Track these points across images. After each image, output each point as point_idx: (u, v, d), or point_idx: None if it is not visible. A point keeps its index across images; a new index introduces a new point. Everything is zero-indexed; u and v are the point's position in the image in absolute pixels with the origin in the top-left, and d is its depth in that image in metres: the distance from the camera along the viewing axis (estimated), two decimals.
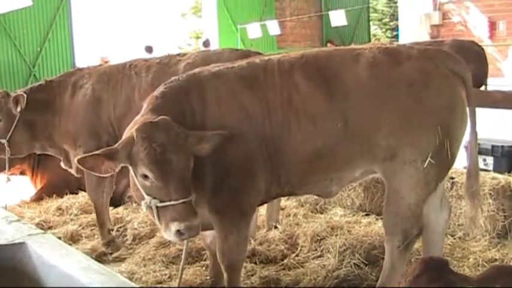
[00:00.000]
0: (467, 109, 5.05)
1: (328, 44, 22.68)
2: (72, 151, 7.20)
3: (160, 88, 5.06)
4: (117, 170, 4.62)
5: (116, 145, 4.55)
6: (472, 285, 2.80)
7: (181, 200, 4.35)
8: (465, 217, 6.87)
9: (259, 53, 6.83)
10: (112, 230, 7.55)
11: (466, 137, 5.23)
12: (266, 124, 4.93)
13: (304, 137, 4.92)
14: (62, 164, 7.50)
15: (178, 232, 4.33)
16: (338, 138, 4.91)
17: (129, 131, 4.59)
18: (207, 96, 4.98)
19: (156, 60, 7.24)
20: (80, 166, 4.53)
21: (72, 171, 7.45)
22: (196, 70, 5.25)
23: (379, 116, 4.88)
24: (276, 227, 7.22)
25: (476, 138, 5.15)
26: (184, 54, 7.26)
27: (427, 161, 4.82)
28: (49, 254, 4.00)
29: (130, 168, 4.53)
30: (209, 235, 5.62)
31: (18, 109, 7.09)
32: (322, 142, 4.93)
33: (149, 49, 17.43)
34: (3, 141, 7.14)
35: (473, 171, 5.21)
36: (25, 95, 7.07)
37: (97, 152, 4.59)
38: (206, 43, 17.97)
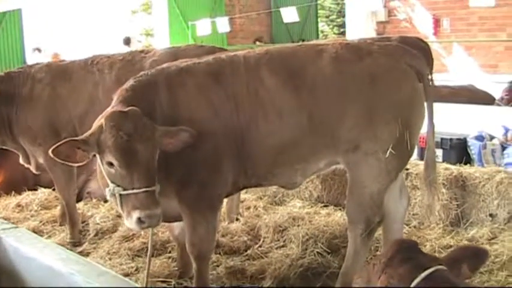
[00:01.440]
0: (425, 103, 5.29)
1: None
2: (31, 148, 7.11)
3: (130, 82, 5.16)
4: (90, 158, 4.69)
5: (86, 133, 4.65)
6: (441, 264, 3.00)
7: (144, 189, 4.47)
8: (422, 205, 7.12)
9: (225, 49, 6.91)
10: (82, 230, 7.49)
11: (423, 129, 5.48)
12: (234, 118, 5.08)
13: (270, 130, 5.09)
14: (21, 161, 7.40)
15: (139, 220, 4.46)
16: (303, 131, 5.10)
17: (99, 120, 4.69)
18: (175, 91, 5.10)
19: (119, 57, 7.19)
20: (55, 157, 4.58)
21: (31, 167, 7.39)
22: (165, 65, 5.36)
23: (343, 110, 5.08)
24: (237, 219, 7.37)
25: (434, 130, 5.37)
26: (148, 51, 7.25)
27: (388, 152, 5.04)
28: (26, 246, 4.06)
29: (97, 156, 4.64)
30: (177, 227, 5.75)
31: None
32: (289, 135, 5.11)
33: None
34: None
35: (430, 162, 5.45)
36: None
37: (68, 139, 4.68)
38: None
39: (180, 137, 4.75)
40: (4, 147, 7.48)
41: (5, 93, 7.06)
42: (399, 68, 5.20)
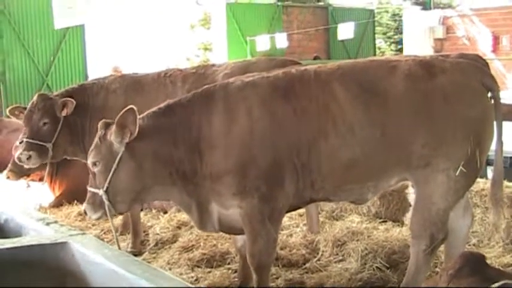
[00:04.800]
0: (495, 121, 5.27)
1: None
2: None
3: (189, 94, 5.44)
4: None
5: None
6: (508, 278, 2.98)
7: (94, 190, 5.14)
8: (482, 223, 7.04)
9: (297, 62, 6.95)
10: (143, 241, 7.60)
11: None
12: (300, 132, 5.12)
13: (341, 145, 5.10)
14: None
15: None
16: (376, 147, 5.11)
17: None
18: (235, 105, 5.19)
19: (192, 70, 7.32)
20: None
21: None
22: (232, 79, 5.46)
23: (416, 127, 5.09)
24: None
25: (502, 148, 5.33)
26: (220, 65, 7.33)
27: (459, 169, 5.03)
28: (93, 252, 4.14)
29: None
30: (240, 239, 5.81)
31: (64, 113, 7.06)
32: (360, 150, 5.12)
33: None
34: (49, 145, 7.10)
35: (497, 179, 5.41)
36: (74, 101, 7.06)
37: None
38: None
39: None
40: (75, 157, 7.58)
41: (78, 104, 7.17)
42: (472, 85, 5.20)
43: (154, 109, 5.30)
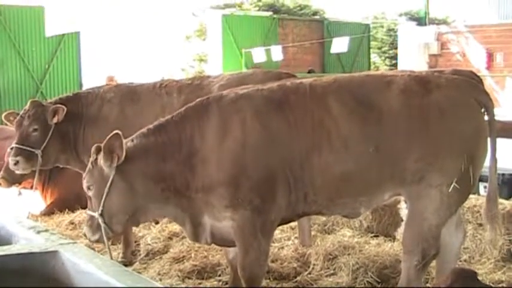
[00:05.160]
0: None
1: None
2: None
3: (185, 107, 5.45)
4: None
5: None
6: None
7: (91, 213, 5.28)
8: (473, 239, 7.04)
9: (292, 75, 6.96)
10: (134, 251, 7.58)
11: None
12: (294, 145, 5.12)
13: (335, 159, 5.10)
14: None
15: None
16: (370, 162, 5.11)
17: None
18: (228, 117, 5.21)
19: (188, 81, 7.34)
20: None
21: None
22: (225, 92, 5.47)
23: (410, 142, 5.09)
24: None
25: (496, 165, 5.35)
26: (216, 76, 7.35)
27: (452, 185, 5.04)
28: (84, 261, 4.12)
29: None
30: (232, 251, 5.80)
31: (55, 120, 7.06)
32: (354, 165, 5.12)
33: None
34: (38, 151, 7.07)
35: (492, 196, 5.42)
36: (65, 108, 7.05)
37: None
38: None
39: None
40: (67, 166, 7.59)
41: (72, 112, 7.17)
42: (467, 102, 5.21)
43: (144, 129, 5.37)
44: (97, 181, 5.21)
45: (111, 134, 5.05)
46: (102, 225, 5.18)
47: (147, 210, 5.33)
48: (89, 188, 5.27)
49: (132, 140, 5.27)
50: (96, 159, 5.21)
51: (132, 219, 5.37)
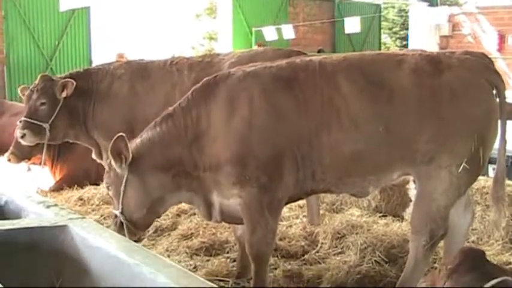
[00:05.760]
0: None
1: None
2: (105, 143, 7.08)
3: (197, 85, 5.43)
4: None
5: None
6: (508, 275, 2.98)
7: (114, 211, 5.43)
8: (482, 220, 7.04)
9: (302, 53, 6.92)
10: None
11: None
12: (302, 123, 5.10)
13: (344, 137, 5.08)
14: (93, 156, 7.52)
15: None
16: (379, 142, 5.09)
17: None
18: (235, 95, 5.20)
19: (198, 58, 7.31)
20: None
21: (103, 162, 7.50)
22: (234, 69, 5.45)
23: (421, 122, 5.06)
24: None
25: (505, 147, 5.32)
26: (226, 54, 7.32)
27: (462, 166, 5.02)
28: (93, 236, 4.14)
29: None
30: (239, 228, 5.83)
31: (64, 94, 7.08)
32: (363, 144, 5.10)
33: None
34: (46, 125, 7.11)
35: (500, 177, 5.39)
36: (74, 82, 7.07)
37: None
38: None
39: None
40: (77, 141, 7.65)
41: (82, 88, 7.20)
42: (478, 83, 5.17)
43: (152, 123, 5.45)
44: (114, 182, 5.35)
45: (116, 137, 5.14)
46: (125, 222, 5.32)
47: (164, 200, 5.41)
48: (108, 189, 5.48)
49: (141, 136, 5.40)
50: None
51: (151, 212, 5.45)
